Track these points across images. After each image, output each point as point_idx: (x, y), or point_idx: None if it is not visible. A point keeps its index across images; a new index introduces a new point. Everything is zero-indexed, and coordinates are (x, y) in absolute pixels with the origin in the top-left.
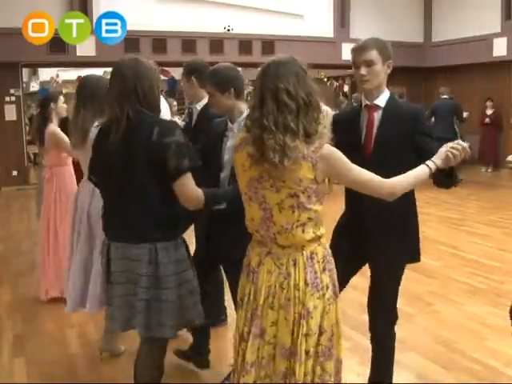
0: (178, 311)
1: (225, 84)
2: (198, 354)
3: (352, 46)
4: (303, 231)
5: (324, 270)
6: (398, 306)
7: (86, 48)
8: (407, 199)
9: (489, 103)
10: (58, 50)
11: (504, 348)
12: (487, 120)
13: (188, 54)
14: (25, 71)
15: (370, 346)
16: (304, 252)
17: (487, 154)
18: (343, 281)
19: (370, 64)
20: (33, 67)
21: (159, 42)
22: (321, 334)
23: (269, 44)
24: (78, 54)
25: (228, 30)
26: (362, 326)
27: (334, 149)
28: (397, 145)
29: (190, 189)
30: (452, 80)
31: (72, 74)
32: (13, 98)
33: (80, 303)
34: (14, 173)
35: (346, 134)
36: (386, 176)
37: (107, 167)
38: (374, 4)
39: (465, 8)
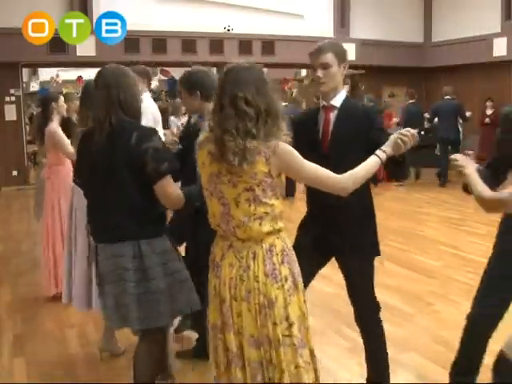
0: (168, 300)
1: (192, 86)
2: (202, 353)
3: (352, 46)
4: (260, 224)
5: (283, 262)
6: (397, 305)
7: (86, 48)
8: (365, 192)
9: (489, 103)
10: (58, 49)
11: None
12: (487, 120)
13: (188, 54)
14: (25, 71)
15: None
16: (263, 245)
17: (487, 154)
18: (310, 275)
19: (326, 67)
20: (33, 67)
21: (159, 42)
22: (290, 325)
23: (269, 44)
24: (78, 53)
25: (228, 30)
26: None
27: (288, 146)
28: (352, 141)
29: (169, 190)
30: (452, 80)
31: (72, 73)
32: (13, 98)
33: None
34: (14, 173)
35: (306, 133)
36: (344, 170)
37: (90, 170)
38: (373, 4)
39: (465, 8)
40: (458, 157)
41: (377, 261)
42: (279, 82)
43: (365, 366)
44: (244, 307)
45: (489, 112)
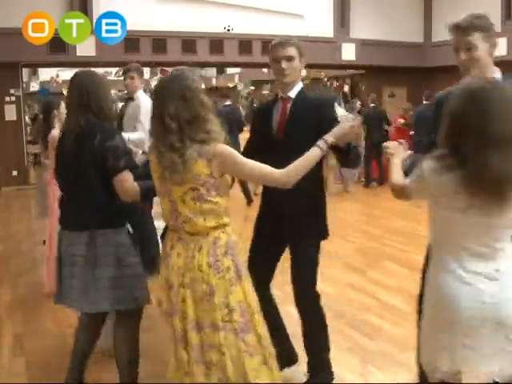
0: (112, 289)
1: None
2: None
3: (352, 46)
4: (205, 220)
5: (226, 254)
6: (397, 305)
7: (86, 48)
8: (314, 182)
9: None
10: (58, 49)
11: None
12: None
13: (188, 54)
14: (25, 71)
15: (370, 346)
16: (208, 238)
17: None
18: (271, 266)
19: (290, 59)
20: (33, 67)
21: (159, 42)
22: (231, 311)
23: (269, 44)
24: (78, 53)
25: (228, 30)
26: (362, 325)
27: (227, 148)
28: (305, 130)
29: (126, 185)
30: (452, 80)
31: (72, 74)
32: (13, 98)
33: None
34: (14, 173)
35: (263, 122)
36: (297, 157)
37: (63, 167)
38: (373, 4)
39: (465, 8)
40: (390, 144)
41: (377, 261)
42: None
43: (365, 365)
44: (188, 294)
45: None
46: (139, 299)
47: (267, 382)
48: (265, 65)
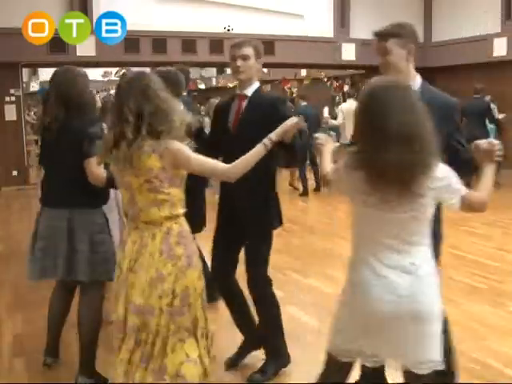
0: (87, 262)
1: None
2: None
3: (352, 46)
4: (159, 210)
5: (178, 243)
6: None
7: (86, 48)
8: (266, 175)
9: None
10: (58, 50)
11: (504, 348)
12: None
13: (188, 54)
14: (25, 71)
15: None
16: (162, 228)
17: None
18: (231, 256)
19: (245, 58)
20: (33, 67)
21: (159, 42)
22: (174, 297)
23: (269, 44)
24: (78, 54)
25: (228, 30)
26: None
27: (177, 144)
28: (258, 126)
29: (92, 169)
30: (452, 80)
31: None
32: (13, 98)
33: None
34: (14, 173)
35: (221, 118)
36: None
37: (47, 153)
38: (373, 4)
39: (465, 8)
40: (320, 135)
41: None
42: (279, 82)
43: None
44: (137, 279)
45: None
46: (110, 273)
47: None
48: (265, 65)
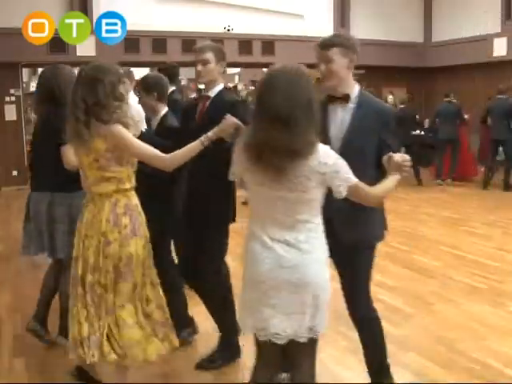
0: (69, 241)
1: (151, 88)
2: None
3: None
4: (107, 184)
5: (125, 213)
6: (397, 305)
7: (86, 48)
8: (218, 172)
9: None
10: (58, 50)
11: (504, 348)
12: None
13: (188, 54)
14: (25, 71)
15: None
16: (111, 199)
17: (487, 154)
18: (192, 247)
19: (205, 63)
20: (33, 67)
21: (159, 41)
22: (119, 261)
23: (269, 44)
24: (78, 54)
25: (228, 30)
26: None
27: (119, 129)
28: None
29: (66, 156)
30: (452, 80)
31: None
32: (13, 98)
33: None
34: (14, 173)
35: (189, 117)
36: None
37: (34, 145)
38: (373, 4)
39: (465, 8)
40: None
41: (377, 261)
42: None
43: (365, 365)
44: (91, 243)
45: None
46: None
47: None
48: (265, 65)
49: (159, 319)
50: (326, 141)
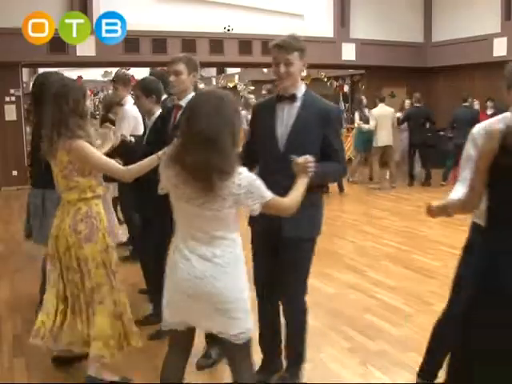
0: None
1: (150, 91)
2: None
3: (352, 46)
4: (71, 193)
5: (82, 220)
6: (397, 305)
7: (86, 48)
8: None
9: (489, 103)
10: (58, 50)
11: None
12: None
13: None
14: (25, 71)
15: (370, 346)
16: (74, 207)
17: None
18: None
19: (177, 74)
20: (33, 67)
21: (159, 42)
22: (79, 262)
23: (269, 44)
24: (77, 54)
25: (228, 30)
26: (362, 325)
27: (82, 145)
28: None
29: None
30: (452, 80)
31: (72, 73)
32: (13, 98)
33: None
34: (14, 173)
35: (165, 125)
36: None
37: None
38: (374, 4)
39: (465, 8)
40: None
41: (377, 261)
42: None
43: (365, 365)
44: (59, 244)
45: (489, 112)
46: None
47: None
48: (265, 65)
49: (124, 320)
50: (274, 140)
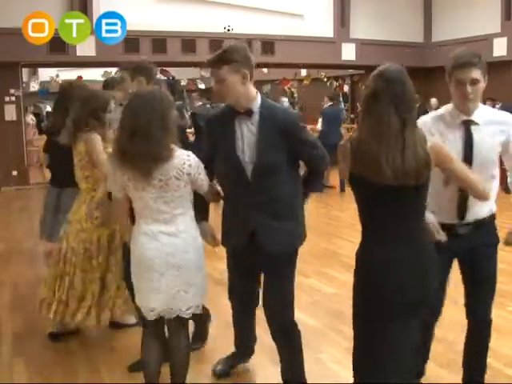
0: None
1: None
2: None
3: (352, 46)
4: (86, 182)
5: (97, 208)
6: None
7: (86, 48)
8: None
9: (489, 103)
10: (58, 50)
11: (504, 348)
12: None
13: (188, 54)
14: (25, 71)
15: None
16: (89, 195)
17: None
18: None
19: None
20: (33, 67)
21: (159, 42)
22: (90, 244)
23: (269, 44)
24: (77, 54)
25: (228, 30)
26: None
27: (94, 139)
28: None
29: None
30: None
31: (72, 74)
32: (13, 98)
33: None
34: (14, 173)
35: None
36: None
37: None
38: (374, 4)
39: (465, 8)
40: None
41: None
42: (279, 82)
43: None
44: (72, 228)
45: None
46: None
47: None
48: (265, 65)
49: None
50: (239, 168)
